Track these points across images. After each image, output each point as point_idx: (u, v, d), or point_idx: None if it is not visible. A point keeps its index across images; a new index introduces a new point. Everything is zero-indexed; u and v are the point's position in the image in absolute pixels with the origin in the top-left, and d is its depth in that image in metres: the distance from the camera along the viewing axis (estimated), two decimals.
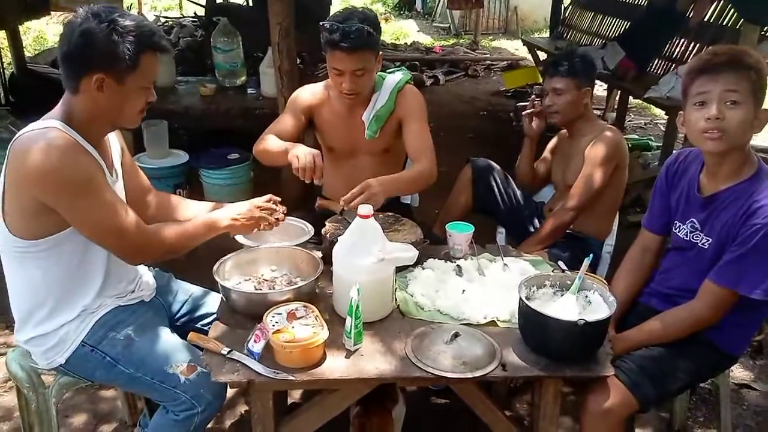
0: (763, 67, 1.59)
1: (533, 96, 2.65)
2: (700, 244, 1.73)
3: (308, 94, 2.33)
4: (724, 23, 4.42)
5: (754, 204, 1.59)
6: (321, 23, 2.09)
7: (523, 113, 2.63)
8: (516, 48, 9.79)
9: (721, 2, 4.40)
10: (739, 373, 2.64)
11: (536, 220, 2.61)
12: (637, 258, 1.95)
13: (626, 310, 1.90)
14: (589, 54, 2.53)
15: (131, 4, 10.06)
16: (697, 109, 1.62)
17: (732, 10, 4.23)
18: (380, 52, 2.15)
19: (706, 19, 4.54)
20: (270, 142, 2.16)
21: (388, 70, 2.40)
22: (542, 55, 6.43)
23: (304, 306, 1.63)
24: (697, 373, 1.78)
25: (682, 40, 4.74)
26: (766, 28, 3.83)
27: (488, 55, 9.34)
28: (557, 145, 2.64)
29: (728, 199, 1.66)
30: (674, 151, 3.03)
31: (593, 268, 2.43)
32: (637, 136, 5.37)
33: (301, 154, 1.98)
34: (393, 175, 2.15)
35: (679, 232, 1.79)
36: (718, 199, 1.68)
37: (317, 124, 2.34)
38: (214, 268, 1.77)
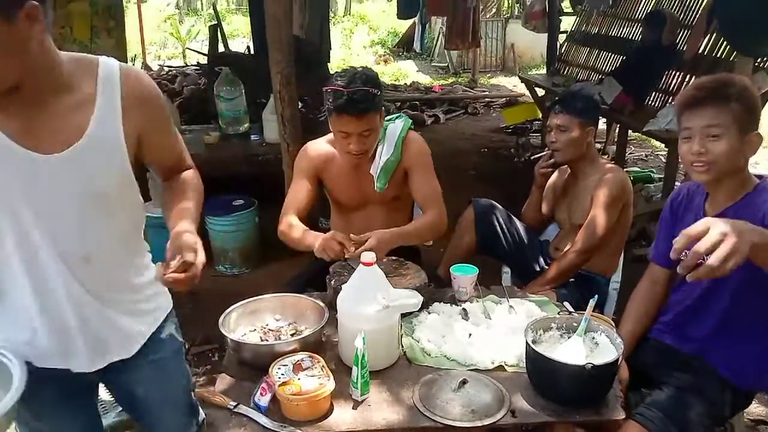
0: (749, 93, 1.63)
1: (547, 154, 2.61)
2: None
3: (314, 153, 2.31)
4: (718, 56, 4.48)
5: (757, 214, 1.58)
6: (324, 87, 2.10)
7: (539, 170, 2.62)
8: (514, 85, 9.91)
9: (714, 35, 4.47)
10: (754, 408, 2.59)
11: (541, 259, 2.61)
12: (646, 292, 1.94)
13: (637, 345, 1.88)
14: (592, 92, 2.54)
15: (135, 55, 10.28)
16: (685, 142, 1.67)
17: (725, 43, 4.29)
18: (383, 108, 2.18)
19: (700, 52, 4.61)
20: (293, 232, 2.17)
21: (387, 118, 2.41)
22: (540, 91, 6.50)
23: (310, 356, 1.63)
24: (718, 415, 1.75)
25: (678, 73, 4.80)
26: (759, 59, 3.88)
27: (487, 93, 9.46)
28: (561, 185, 2.63)
29: (734, 216, 1.66)
30: (677, 184, 3.05)
31: (600, 307, 2.42)
32: (638, 169, 5.41)
33: (327, 247, 2.00)
34: (400, 228, 2.17)
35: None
36: (724, 218, 1.68)
37: (326, 181, 2.34)
38: (220, 320, 1.77)
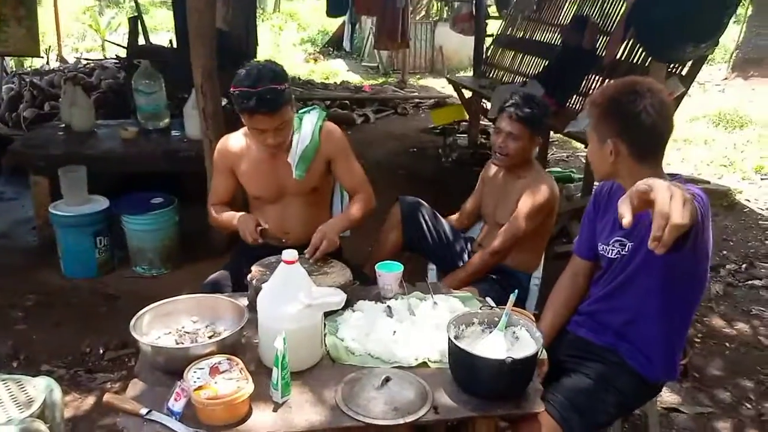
0: (610, 101, 1.67)
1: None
2: (625, 253, 1.75)
3: (227, 148, 2.31)
4: (634, 61, 4.68)
5: None
6: (231, 90, 2.05)
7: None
8: (442, 86, 10.02)
9: (631, 41, 4.66)
10: (667, 397, 2.71)
11: (466, 255, 2.63)
12: (567, 283, 1.99)
13: (556, 337, 1.92)
14: (543, 102, 2.50)
15: (49, 47, 9.74)
16: None
17: (641, 49, 4.48)
18: (293, 97, 2.16)
19: (618, 57, 4.79)
20: (219, 219, 2.34)
21: (302, 110, 2.39)
22: (467, 93, 6.61)
23: (228, 359, 1.56)
24: (625, 405, 1.81)
25: (597, 77, 4.98)
26: (672, 65, 4.07)
27: (416, 94, 9.53)
28: (490, 176, 2.65)
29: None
30: (596, 184, 3.14)
31: (522, 302, 2.46)
32: (560, 169, 5.57)
33: (241, 227, 2.20)
34: (341, 216, 2.34)
35: (607, 253, 1.82)
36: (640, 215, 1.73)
37: (239, 175, 2.31)
38: (132, 323, 1.68)
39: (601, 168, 1.73)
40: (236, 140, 2.30)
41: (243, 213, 2.29)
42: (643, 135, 1.65)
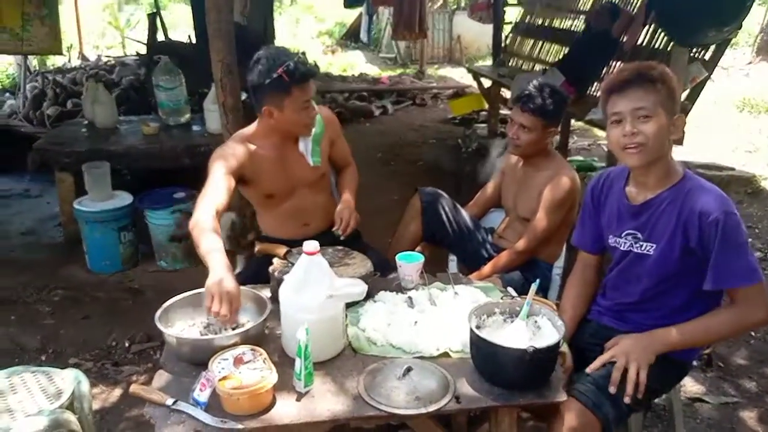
0: (669, 79, 1.66)
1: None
2: (644, 252, 1.75)
3: (241, 148, 2.19)
4: (656, 47, 4.60)
5: (696, 204, 1.63)
6: (278, 73, 2.04)
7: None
8: (461, 76, 9.98)
9: (652, 26, 4.59)
10: (691, 387, 2.68)
11: (488, 246, 2.62)
12: (580, 276, 1.99)
13: (577, 328, 1.91)
14: (558, 91, 2.45)
15: (71, 45, 9.86)
16: (614, 127, 1.70)
17: (663, 34, 4.41)
18: None
19: (639, 43, 4.72)
20: (199, 234, 1.85)
21: None
22: (486, 82, 6.56)
23: (252, 350, 1.58)
24: (652, 388, 1.80)
25: (618, 63, 4.91)
26: (694, 49, 4.00)
27: (434, 84, 9.50)
28: (510, 166, 2.63)
29: (663, 203, 1.70)
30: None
31: (544, 292, 2.45)
32: (581, 158, 5.51)
33: (223, 292, 1.67)
34: (350, 188, 2.43)
35: (620, 246, 1.82)
36: (653, 206, 1.72)
37: (252, 175, 2.22)
38: (157, 314, 1.71)
39: (662, 147, 1.67)
40: (242, 144, 2.21)
41: (225, 268, 1.73)
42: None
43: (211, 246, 1.79)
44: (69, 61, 9.01)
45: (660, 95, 1.64)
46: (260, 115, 2.20)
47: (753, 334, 3.10)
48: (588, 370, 1.71)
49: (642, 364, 1.65)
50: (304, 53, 2.17)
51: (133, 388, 1.56)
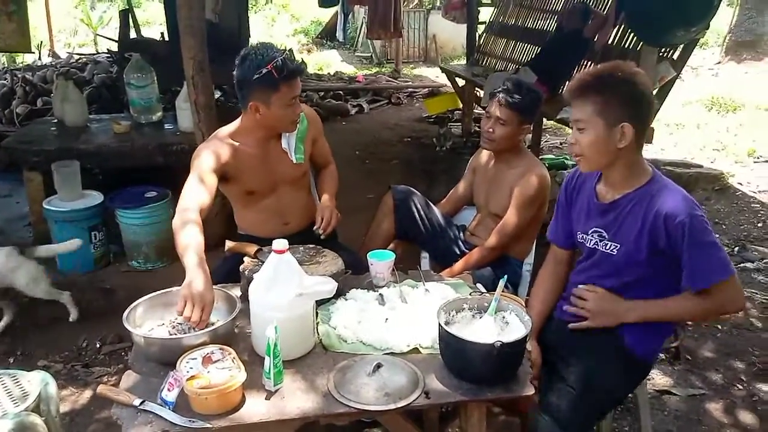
0: (616, 86, 1.64)
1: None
2: (607, 251, 1.78)
3: (223, 147, 2.19)
4: (626, 46, 4.67)
5: (661, 207, 1.65)
6: (267, 69, 2.02)
7: None
8: (436, 75, 10.00)
9: (622, 27, 4.66)
10: (659, 379, 2.73)
11: (460, 243, 2.64)
12: (550, 271, 2.02)
13: (545, 324, 1.94)
14: (535, 89, 2.46)
15: (41, 42, 9.68)
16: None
17: (632, 33, 4.48)
18: None
19: (609, 43, 4.79)
20: (181, 237, 1.84)
21: None
22: (461, 82, 6.59)
23: (221, 348, 1.58)
24: (622, 391, 1.84)
25: (590, 63, 4.97)
26: (663, 49, 4.07)
27: (410, 83, 9.51)
28: (481, 164, 2.65)
29: (629, 204, 1.73)
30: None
31: (515, 288, 2.48)
32: (553, 156, 5.57)
33: (195, 296, 1.65)
34: (330, 187, 2.43)
35: (586, 242, 1.85)
36: (619, 206, 1.75)
37: (232, 173, 2.22)
38: (125, 315, 1.69)
39: (603, 157, 1.68)
40: (224, 141, 2.22)
41: (200, 270, 1.72)
42: (649, 118, 1.71)
43: (187, 244, 1.79)
44: (39, 58, 8.85)
45: (596, 105, 1.63)
46: (245, 110, 2.18)
47: (720, 327, 3.17)
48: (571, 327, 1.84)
49: (601, 324, 1.79)
50: (291, 50, 2.15)
51: (101, 388, 1.55)
